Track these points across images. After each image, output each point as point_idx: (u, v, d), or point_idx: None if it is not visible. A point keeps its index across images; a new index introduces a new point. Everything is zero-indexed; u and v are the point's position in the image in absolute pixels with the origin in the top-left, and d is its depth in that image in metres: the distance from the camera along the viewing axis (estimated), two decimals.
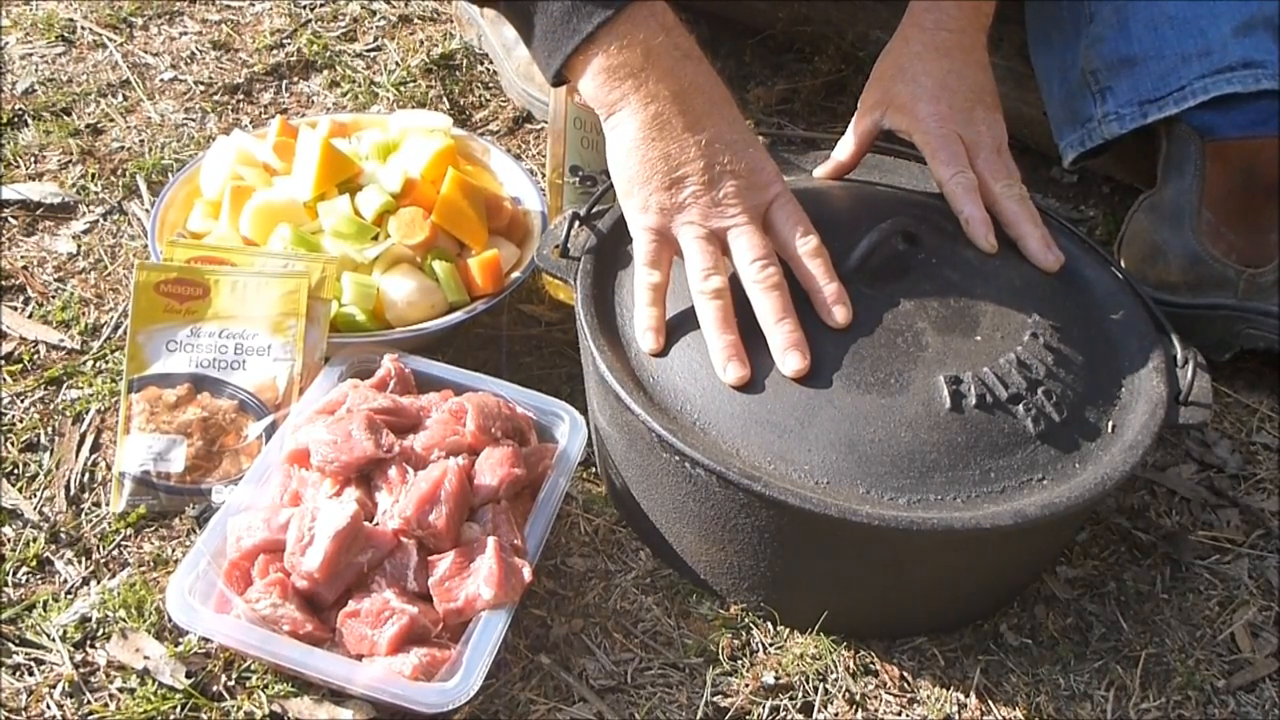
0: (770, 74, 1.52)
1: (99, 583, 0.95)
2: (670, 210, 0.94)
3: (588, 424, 1.02)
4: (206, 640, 0.90)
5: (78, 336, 1.14)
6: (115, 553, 0.97)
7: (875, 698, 0.93)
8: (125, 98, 1.42)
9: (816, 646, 0.95)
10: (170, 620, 0.90)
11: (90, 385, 1.10)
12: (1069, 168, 1.33)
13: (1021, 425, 0.89)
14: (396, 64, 1.50)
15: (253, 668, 0.90)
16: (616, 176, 0.96)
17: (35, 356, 1.12)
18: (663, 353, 0.93)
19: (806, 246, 0.94)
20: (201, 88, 1.45)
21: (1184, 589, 1.03)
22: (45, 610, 0.93)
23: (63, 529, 0.99)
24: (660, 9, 0.94)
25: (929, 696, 0.93)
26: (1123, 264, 1.21)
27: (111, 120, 1.39)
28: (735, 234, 0.93)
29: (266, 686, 0.89)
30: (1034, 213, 1.03)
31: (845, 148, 1.10)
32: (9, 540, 0.98)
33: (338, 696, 0.88)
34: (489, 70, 1.51)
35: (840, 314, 0.92)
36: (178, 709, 0.87)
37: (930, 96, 1.05)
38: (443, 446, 0.95)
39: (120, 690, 0.89)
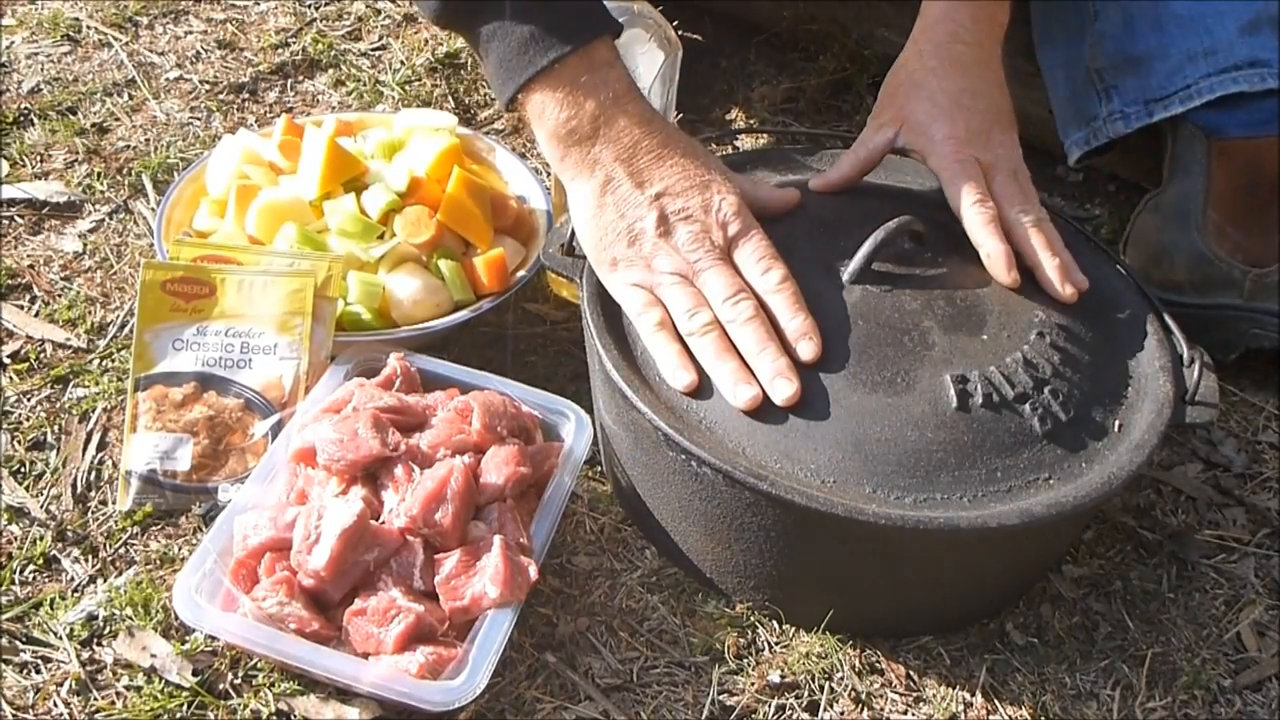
0: (775, 72, 1.52)
1: (105, 581, 0.95)
2: (637, 261, 0.94)
3: (593, 422, 1.02)
4: (213, 638, 0.90)
5: (84, 335, 1.14)
6: (122, 551, 0.98)
7: (881, 696, 0.93)
8: (131, 97, 1.43)
9: (822, 645, 0.95)
10: (177, 618, 0.90)
11: (96, 384, 1.10)
12: (1074, 166, 1.33)
13: (1028, 424, 0.89)
14: (401, 63, 1.50)
15: (259, 666, 0.90)
16: (585, 247, 0.98)
17: (41, 355, 1.12)
18: (700, 387, 0.91)
19: (769, 282, 0.93)
20: (207, 87, 1.45)
21: (1190, 588, 1.03)
22: (52, 608, 0.93)
23: (69, 527, 0.99)
24: (606, 55, 0.95)
25: (935, 695, 0.93)
26: (1128, 263, 1.20)
27: (117, 119, 1.39)
28: (704, 276, 0.93)
29: (273, 685, 0.89)
30: (1052, 238, 0.99)
31: (851, 162, 1.06)
32: (16, 538, 0.98)
33: (344, 695, 0.88)
34: None
35: (805, 350, 0.90)
36: (184, 707, 0.87)
37: (946, 118, 1.01)
38: (449, 445, 0.95)
39: (127, 688, 0.89)
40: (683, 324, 0.93)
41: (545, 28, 0.94)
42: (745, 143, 1.41)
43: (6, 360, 1.11)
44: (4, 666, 0.89)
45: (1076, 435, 0.90)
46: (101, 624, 0.92)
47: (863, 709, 0.92)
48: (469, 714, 0.88)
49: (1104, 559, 1.05)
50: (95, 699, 0.88)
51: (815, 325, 0.91)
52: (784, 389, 0.88)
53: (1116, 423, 0.92)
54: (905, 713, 0.92)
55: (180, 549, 0.98)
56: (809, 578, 0.93)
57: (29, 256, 1.22)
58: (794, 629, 0.96)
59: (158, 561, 0.97)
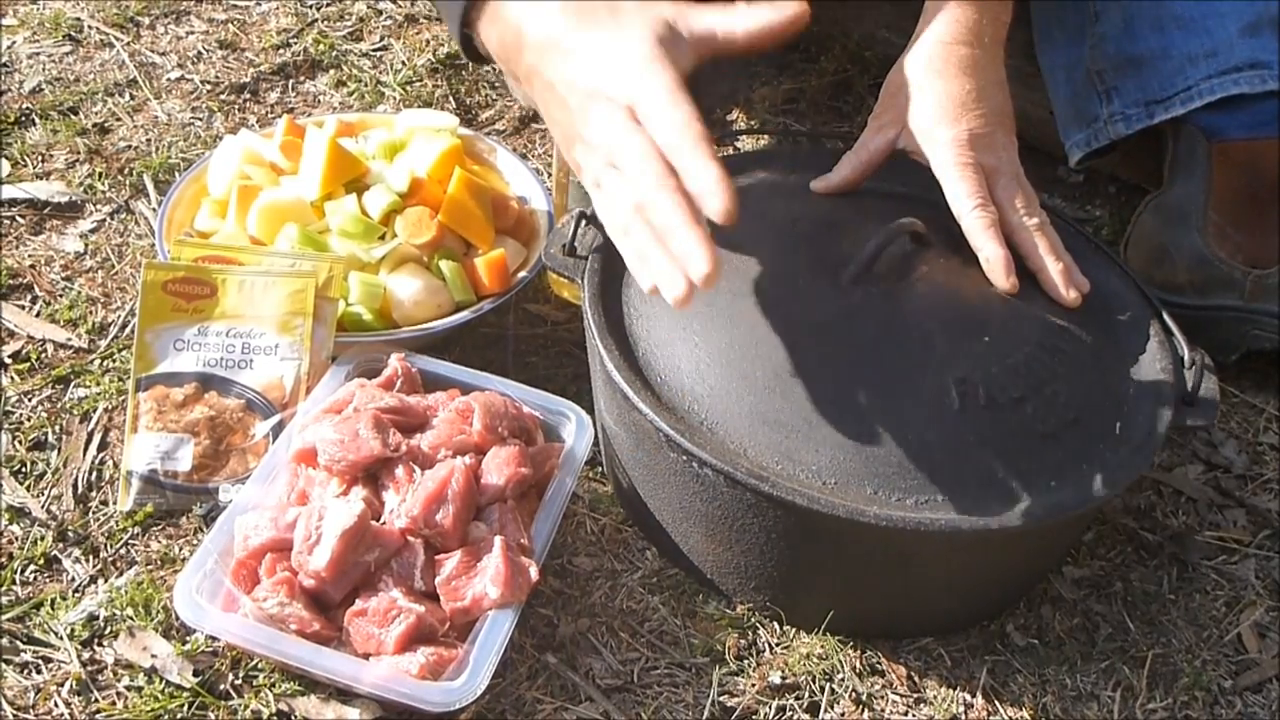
0: (776, 73, 1.52)
1: (106, 581, 0.95)
2: (590, 167, 0.88)
3: (594, 423, 1.02)
4: (214, 639, 0.90)
5: (85, 335, 1.14)
6: (123, 551, 0.98)
7: (882, 698, 0.93)
8: (132, 97, 1.43)
9: (823, 646, 0.95)
10: (177, 619, 0.90)
11: (98, 384, 1.10)
12: (1075, 167, 1.33)
13: (1029, 426, 0.89)
14: (403, 63, 1.50)
15: (260, 666, 0.90)
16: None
17: (43, 355, 1.12)
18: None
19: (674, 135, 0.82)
20: (208, 87, 1.45)
21: (1191, 589, 1.03)
22: (53, 608, 0.93)
23: (70, 527, 0.99)
24: None
25: (936, 697, 0.93)
26: (1129, 264, 1.21)
27: (118, 119, 1.39)
28: (620, 160, 0.84)
29: (273, 685, 0.89)
30: (1054, 242, 0.99)
31: (852, 164, 1.04)
32: (17, 538, 0.98)
33: (344, 695, 0.88)
34: (495, 70, 1.51)
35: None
36: (185, 707, 0.88)
37: (950, 120, 0.99)
38: (449, 446, 0.95)
39: (127, 688, 0.89)
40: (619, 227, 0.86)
41: None
42: (746, 143, 1.41)
43: (7, 360, 1.11)
44: (4, 666, 0.89)
45: (1077, 437, 0.90)
46: (102, 624, 0.92)
47: (863, 710, 0.92)
48: (469, 715, 0.88)
49: (1105, 560, 1.05)
50: (96, 699, 0.88)
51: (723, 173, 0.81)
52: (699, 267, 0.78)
53: (1117, 424, 0.92)
54: (906, 714, 0.92)
55: (181, 549, 0.98)
56: (810, 579, 0.93)
57: (30, 256, 1.22)
58: (795, 630, 0.96)
59: (159, 562, 0.97)
